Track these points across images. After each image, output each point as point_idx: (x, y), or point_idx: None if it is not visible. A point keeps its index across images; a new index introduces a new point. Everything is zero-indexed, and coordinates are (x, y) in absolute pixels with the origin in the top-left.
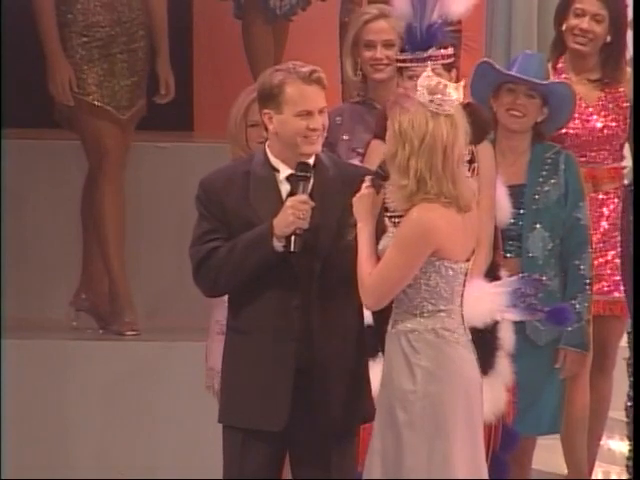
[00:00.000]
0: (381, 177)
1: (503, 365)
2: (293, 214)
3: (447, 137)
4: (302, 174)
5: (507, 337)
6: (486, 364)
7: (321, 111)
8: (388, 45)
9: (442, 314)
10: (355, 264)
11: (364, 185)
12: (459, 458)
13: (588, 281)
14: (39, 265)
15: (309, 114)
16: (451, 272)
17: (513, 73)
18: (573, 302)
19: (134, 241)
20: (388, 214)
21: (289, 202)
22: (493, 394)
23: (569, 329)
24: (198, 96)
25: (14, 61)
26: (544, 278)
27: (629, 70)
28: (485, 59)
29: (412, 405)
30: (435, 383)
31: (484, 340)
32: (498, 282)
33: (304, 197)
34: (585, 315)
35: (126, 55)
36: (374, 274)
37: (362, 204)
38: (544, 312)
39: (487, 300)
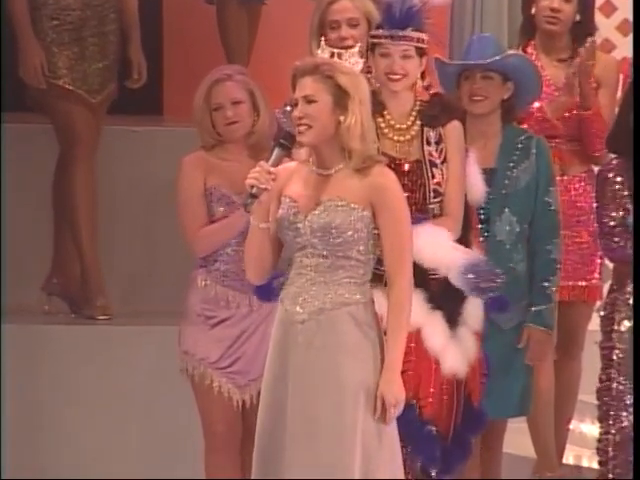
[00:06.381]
0: (287, 148)
1: (470, 310)
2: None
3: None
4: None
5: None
6: (454, 312)
7: None
8: (352, 25)
9: None
10: None
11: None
12: None
13: (559, 266)
14: (10, 249)
15: None
16: None
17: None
18: (545, 284)
19: (106, 225)
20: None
21: None
22: (463, 344)
23: (536, 309)
24: (168, 80)
25: None
26: (499, 272)
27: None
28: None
29: None
30: None
31: (451, 288)
32: (465, 253)
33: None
34: (555, 297)
35: (97, 38)
36: (405, 271)
37: None
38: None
39: (446, 257)
